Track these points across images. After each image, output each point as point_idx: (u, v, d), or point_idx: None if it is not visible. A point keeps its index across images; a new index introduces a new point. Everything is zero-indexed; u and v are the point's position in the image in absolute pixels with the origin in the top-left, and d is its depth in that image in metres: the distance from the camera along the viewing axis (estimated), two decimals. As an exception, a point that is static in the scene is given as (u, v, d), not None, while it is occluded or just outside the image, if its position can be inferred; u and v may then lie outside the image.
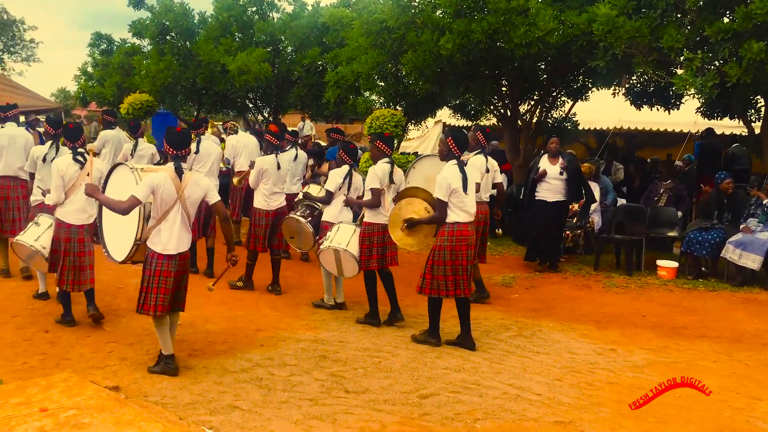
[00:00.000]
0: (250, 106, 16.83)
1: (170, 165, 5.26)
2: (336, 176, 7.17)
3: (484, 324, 6.92)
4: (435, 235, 6.11)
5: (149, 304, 5.16)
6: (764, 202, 8.78)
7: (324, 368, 5.50)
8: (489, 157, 7.85)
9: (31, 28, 35.08)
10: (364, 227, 6.73)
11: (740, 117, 10.99)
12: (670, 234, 9.79)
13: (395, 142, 13.12)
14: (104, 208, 5.46)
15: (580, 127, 13.76)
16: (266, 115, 16.86)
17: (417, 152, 16.99)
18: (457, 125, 15.47)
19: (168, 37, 15.32)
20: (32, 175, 7.52)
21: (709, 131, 13.34)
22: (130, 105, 14.42)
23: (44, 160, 7.17)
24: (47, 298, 7.11)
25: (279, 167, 7.79)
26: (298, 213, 7.63)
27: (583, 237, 9.82)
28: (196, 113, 17.72)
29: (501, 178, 8.18)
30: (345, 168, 7.19)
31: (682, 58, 8.43)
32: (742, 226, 8.67)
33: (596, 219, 10.06)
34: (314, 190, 8.23)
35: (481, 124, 14.33)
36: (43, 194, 6.87)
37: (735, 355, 6.18)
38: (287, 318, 6.95)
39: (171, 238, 5.16)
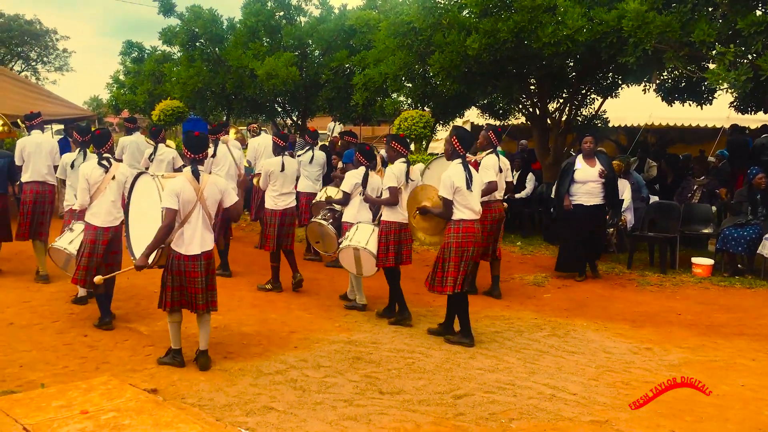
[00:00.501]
0: (279, 109, 16.98)
1: (188, 169, 5.45)
2: (352, 177, 7.30)
3: (517, 324, 6.89)
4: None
5: (172, 301, 5.42)
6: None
7: (358, 369, 5.52)
8: (501, 156, 7.93)
9: (64, 38, 35.89)
10: (382, 225, 6.86)
11: (775, 111, 10.82)
12: (705, 231, 9.66)
13: (423, 142, 13.15)
14: (130, 212, 5.80)
15: (611, 125, 13.64)
16: (295, 118, 16.99)
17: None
18: (484, 124, 15.43)
19: (197, 44, 15.54)
20: (63, 182, 7.80)
21: (734, 127, 13.22)
22: (162, 111, 14.67)
23: (72, 166, 7.45)
24: (86, 302, 7.26)
25: (283, 169, 7.87)
26: (320, 217, 7.75)
27: (616, 235, 9.70)
28: (225, 118, 17.94)
29: (510, 176, 8.30)
30: (362, 169, 7.28)
31: (714, 52, 8.32)
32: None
33: (629, 217, 9.94)
34: (332, 191, 8.31)
35: (510, 123, 14.30)
36: (75, 197, 7.06)
37: (774, 353, 6.08)
38: (320, 320, 6.99)
39: (194, 239, 5.36)
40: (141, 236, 5.64)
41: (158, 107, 14.96)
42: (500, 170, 7.76)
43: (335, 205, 7.73)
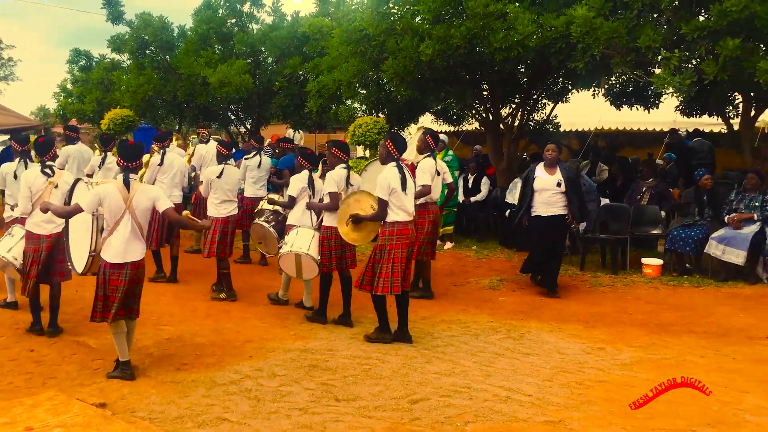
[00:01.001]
0: (232, 117, 16.81)
1: (119, 177, 5.47)
2: (297, 181, 7.39)
3: (473, 327, 6.92)
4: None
5: (99, 311, 5.35)
6: (749, 195, 8.84)
7: (313, 377, 5.47)
8: (438, 160, 8.05)
9: (9, 47, 34.89)
10: (323, 230, 6.98)
11: (719, 114, 11.12)
12: (654, 232, 9.87)
13: (378, 148, 13.15)
14: (69, 223, 5.73)
15: (562, 129, 13.85)
16: (248, 126, 16.84)
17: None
18: (439, 130, 15.53)
19: (147, 51, 15.30)
20: (2, 192, 7.63)
21: (673, 131, 13.75)
22: (111, 120, 14.38)
23: (15, 176, 7.25)
24: (16, 307, 7.32)
25: (221, 176, 7.92)
26: (263, 218, 7.84)
27: (569, 238, 9.84)
28: (178, 127, 17.69)
29: (450, 178, 8.35)
30: (305, 173, 7.40)
31: (659, 57, 8.50)
32: (727, 218, 8.73)
33: (581, 219, 10.09)
34: (277, 196, 8.34)
35: (464, 128, 14.41)
36: (12, 209, 7.12)
37: (722, 349, 6.22)
38: (275, 329, 6.92)
39: (121, 247, 5.32)
40: (78, 243, 5.65)
41: (107, 116, 14.66)
42: (437, 173, 7.88)
43: (279, 207, 7.81)
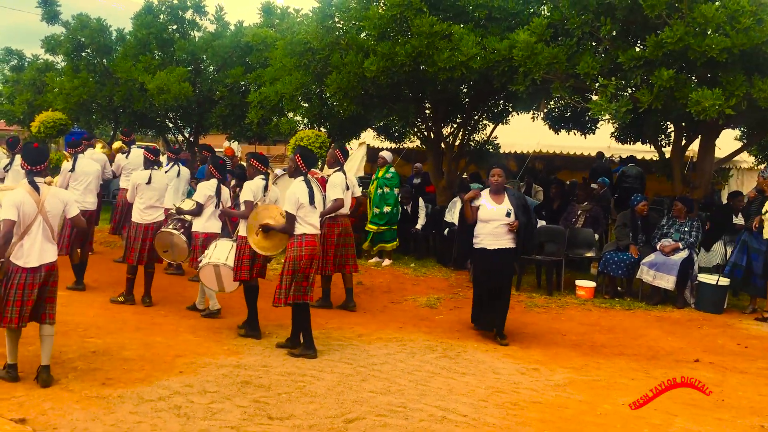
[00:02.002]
0: (170, 125, 16.46)
1: (24, 181, 5.37)
2: (205, 189, 7.56)
3: (410, 345, 6.89)
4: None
5: (8, 317, 5.23)
6: (678, 221, 9.12)
7: (246, 394, 5.33)
8: (347, 174, 8.25)
9: (-64, 41, 33.46)
10: (239, 240, 7.00)
11: (652, 142, 11.49)
12: (588, 255, 10.06)
13: (318, 162, 13.09)
14: None
15: (501, 150, 14.08)
16: (187, 135, 16.52)
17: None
18: (381, 147, 15.58)
19: (83, 54, 14.88)
20: None
21: (599, 154, 14.41)
22: (42, 123, 13.86)
23: None
24: None
25: (149, 182, 7.96)
26: (170, 226, 7.80)
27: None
28: (112, 132, 17.21)
29: (359, 192, 8.62)
30: (214, 182, 7.60)
31: (597, 84, 8.74)
32: (659, 245, 8.98)
33: (517, 240, 10.22)
34: (187, 204, 8.23)
35: (405, 146, 14.49)
36: None
37: (651, 372, 6.35)
38: (208, 343, 6.73)
39: (33, 251, 5.27)
40: None
41: (38, 119, 14.11)
42: (347, 187, 8.05)
43: (185, 215, 7.81)
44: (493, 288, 7.21)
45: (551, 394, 5.61)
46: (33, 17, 15.50)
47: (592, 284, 9.31)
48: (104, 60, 14.83)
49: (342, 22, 10.43)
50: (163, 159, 10.03)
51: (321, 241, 7.68)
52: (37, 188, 5.31)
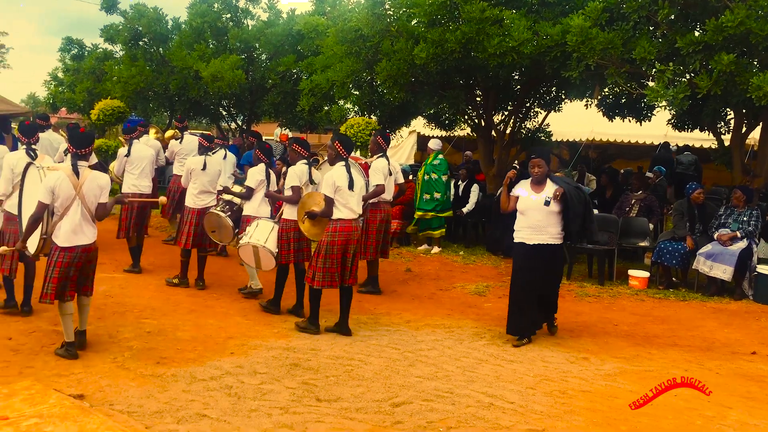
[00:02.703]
0: (224, 113, 16.71)
1: (67, 163, 5.63)
2: (255, 174, 7.66)
3: (458, 332, 6.88)
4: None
5: (48, 293, 5.50)
6: (737, 210, 8.86)
7: (295, 376, 5.41)
8: (391, 160, 8.36)
9: (2, 33, 34.64)
10: (282, 223, 7.18)
11: (710, 129, 11.16)
12: (642, 244, 9.87)
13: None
14: (22, 205, 5.91)
15: (554, 138, 13.88)
16: (240, 122, 16.75)
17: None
18: (431, 135, 15.54)
19: (141, 43, 15.20)
20: None
21: (664, 145, 13.99)
22: (101, 111, 14.24)
23: None
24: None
25: (204, 167, 8.16)
26: (218, 208, 7.98)
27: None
28: (168, 120, 17.57)
29: (402, 178, 8.68)
30: (262, 166, 7.70)
31: (653, 70, 8.53)
32: (716, 235, 8.74)
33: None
34: (236, 188, 8.40)
35: (456, 133, 14.41)
36: None
37: (706, 363, 6.21)
38: (258, 326, 6.85)
39: (71, 231, 5.51)
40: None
41: (97, 106, 14.51)
42: (390, 173, 8.19)
43: (235, 198, 7.99)
44: (530, 290, 6.46)
45: (601, 384, 5.54)
46: (93, 7, 15.96)
47: (646, 274, 9.13)
48: (160, 49, 15.13)
49: (392, 9, 10.41)
50: None
51: (363, 226, 7.95)
52: (77, 171, 5.53)
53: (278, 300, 7.36)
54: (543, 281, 6.51)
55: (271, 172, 7.73)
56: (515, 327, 6.57)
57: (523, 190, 6.49)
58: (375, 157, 8.22)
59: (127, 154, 9.20)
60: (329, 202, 6.40)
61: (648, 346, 6.71)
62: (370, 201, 8.00)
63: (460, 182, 11.88)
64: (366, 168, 8.24)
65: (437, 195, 10.53)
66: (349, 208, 6.44)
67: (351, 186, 6.44)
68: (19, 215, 6.05)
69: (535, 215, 6.35)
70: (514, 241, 6.55)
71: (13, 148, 9.35)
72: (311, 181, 7.20)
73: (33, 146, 6.77)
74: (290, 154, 7.43)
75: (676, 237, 9.11)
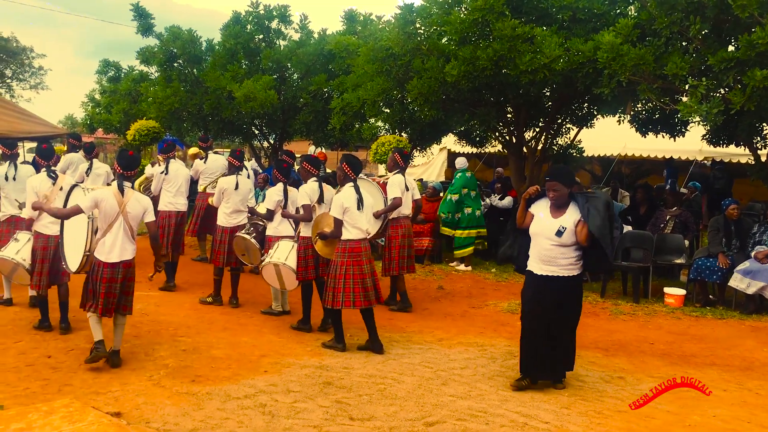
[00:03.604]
0: (256, 132, 16.90)
1: (114, 183, 5.96)
2: (273, 194, 7.76)
3: (491, 351, 6.84)
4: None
5: (94, 304, 5.80)
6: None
7: (328, 395, 5.43)
8: (407, 176, 8.51)
9: (40, 56, 35.49)
10: (300, 240, 7.39)
11: (746, 144, 10.97)
12: (677, 261, 9.73)
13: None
14: (65, 225, 6.20)
15: (586, 154, 13.78)
16: (272, 141, 16.92)
17: (422, 179, 17.03)
18: (461, 152, 15.55)
19: (175, 64, 15.44)
20: None
21: (696, 163, 14.00)
22: (137, 131, 14.49)
23: (6, 178, 7.82)
24: (11, 304, 7.83)
25: (237, 187, 8.39)
26: (244, 231, 8.13)
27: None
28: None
29: (419, 194, 8.88)
30: (280, 186, 7.79)
31: (686, 85, 8.44)
32: (753, 253, 8.58)
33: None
34: (261, 208, 8.50)
35: (487, 150, 14.39)
36: (20, 208, 7.58)
37: (745, 383, 6.09)
38: (291, 344, 6.89)
39: (114, 247, 5.81)
40: (73, 243, 6.09)
41: (133, 127, 14.76)
42: (407, 188, 8.33)
43: (258, 220, 8.12)
44: (538, 325, 5.61)
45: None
46: (129, 30, 16.26)
47: (682, 292, 8.99)
48: (194, 70, 15.37)
49: (423, 28, 10.45)
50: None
51: (385, 243, 8.18)
52: (122, 191, 5.85)
53: (308, 318, 7.45)
54: (552, 319, 5.57)
55: (290, 189, 7.81)
56: (528, 367, 5.75)
57: (542, 210, 5.65)
58: (392, 173, 8.39)
59: (165, 173, 9.44)
60: (338, 224, 6.53)
61: (685, 366, 6.60)
62: (391, 217, 8.13)
63: (495, 195, 12.10)
64: (383, 186, 8.32)
65: (459, 215, 10.96)
66: (357, 228, 6.56)
67: (359, 206, 6.57)
68: (61, 236, 6.28)
69: (544, 243, 5.51)
70: (526, 268, 5.74)
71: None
72: (321, 199, 7.32)
73: (52, 168, 7.09)
74: (301, 172, 7.60)
75: (711, 254, 8.96)
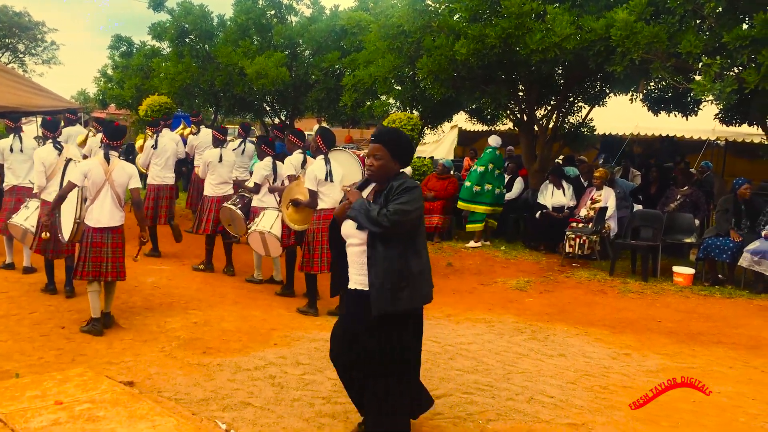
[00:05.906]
0: (267, 109, 16.92)
1: (100, 153, 6.29)
2: (260, 169, 8.03)
3: (498, 327, 6.91)
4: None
5: (86, 271, 6.07)
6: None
7: (337, 368, 5.50)
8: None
9: (52, 30, 35.57)
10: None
11: (759, 124, 10.90)
12: (687, 240, 9.71)
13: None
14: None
15: (597, 133, 13.72)
16: (283, 118, 16.94)
17: (432, 156, 17.02)
18: (473, 129, 15.52)
19: (187, 40, 15.45)
20: (1, 165, 8.24)
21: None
22: (149, 107, 14.56)
23: (11, 150, 8.05)
24: (13, 268, 8.28)
25: (221, 159, 8.78)
26: (230, 202, 8.33)
27: (599, 242, 9.76)
28: (213, 116, 17.86)
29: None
30: (268, 160, 8.05)
31: (700, 64, 8.38)
32: (764, 233, 8.54)
33: (612, 224, 10.00)
34: (249, 183, 8.67)
35: (498, 128, 14.37)
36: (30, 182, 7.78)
37: (751, 362, 6.12)
38: (300, 318, 6.98)
39: (102, 213, 6.09)
40: (65, 213, 6.42)
41: (145, 102, 14.84)
42: (329, 178, 8.40)
43: (245, 191, 8.33)
44: (341, 351, 4.26)
45: (643, 380, 5.50)
46: (141, 5, 16.25)
47: (691, 271, 8.98)
48: (206, 45, 15.37)
49: (434, 5, 10.41)
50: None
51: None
52: (108, 160, 6.14)
53: (291, 283, 7.92)
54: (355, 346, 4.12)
55: (278, 163, 8.01)
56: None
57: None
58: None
59: (154, 146, 9.75)
60: (312, 195, 6.86)
61: (692, 343, 6.64)
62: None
63: (506, 175, 11.99)
64: (363, 160, 8.35)
65: (478, 187, 10.70)
66: (331, 198, 6.85)
67: (329, 178, 6.86)
68: (57, 212, 6.48)
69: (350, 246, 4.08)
70: None
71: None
72: (304, 168, 7.50)
73: (57, 139, 7.34)
74: (287, 144, 7.95)
75: (720, 233, 8.94)
